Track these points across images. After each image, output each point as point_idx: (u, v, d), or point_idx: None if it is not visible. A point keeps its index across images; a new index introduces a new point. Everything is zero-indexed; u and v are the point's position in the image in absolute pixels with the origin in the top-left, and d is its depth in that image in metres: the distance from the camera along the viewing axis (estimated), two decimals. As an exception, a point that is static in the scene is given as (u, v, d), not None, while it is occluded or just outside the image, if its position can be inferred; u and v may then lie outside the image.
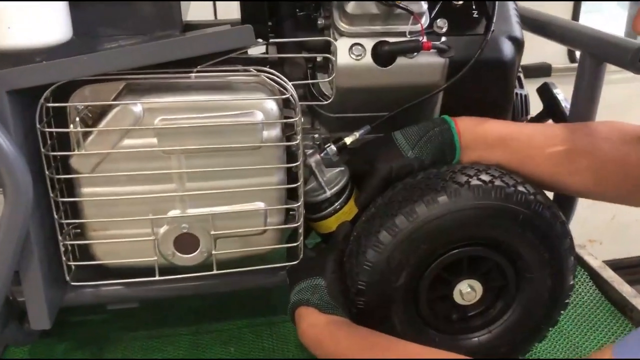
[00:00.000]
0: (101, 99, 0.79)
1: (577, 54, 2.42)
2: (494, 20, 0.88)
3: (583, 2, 2.26)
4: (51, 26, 0.73)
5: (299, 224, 0.89)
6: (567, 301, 0.91)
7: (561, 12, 2.10)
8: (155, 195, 0.82)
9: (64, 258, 0.84)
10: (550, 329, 0.93)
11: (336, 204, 0.90)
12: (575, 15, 2.29)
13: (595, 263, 1.20)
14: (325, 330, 0.80)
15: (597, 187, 0.87)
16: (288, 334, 1.08)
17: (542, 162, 0.87)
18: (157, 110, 0.79)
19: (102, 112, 0.79)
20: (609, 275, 1.16)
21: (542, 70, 2.32)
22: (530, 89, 1.06)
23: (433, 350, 0.73)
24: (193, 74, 0.80)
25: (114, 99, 0.79)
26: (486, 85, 0.92)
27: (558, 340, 1.05)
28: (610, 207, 0.98)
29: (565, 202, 1.02)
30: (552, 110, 1.03)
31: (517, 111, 1.05)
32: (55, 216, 0.82)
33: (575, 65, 2.59)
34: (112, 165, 0.80)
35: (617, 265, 1.38)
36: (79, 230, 0.86)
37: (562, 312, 0.92)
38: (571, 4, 2.26)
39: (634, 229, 2.62)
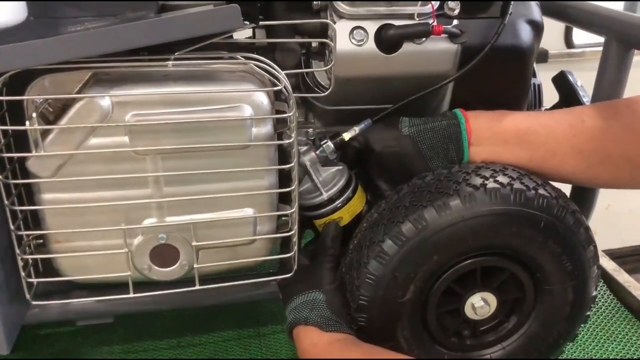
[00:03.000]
0: (63, 91, 0.74)
1: (575, 39, 2.38)
2: (512, 2, 0.84)
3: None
4: (1, 4, 0.69)
5: (293, 232, 0.84)
6: (588, 314, 0.87)
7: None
8: (127, 202, 0.77)
9: (23, 274, 0.79)
10: (568, 343, 0.89)
11: (337, 202, 0.85)
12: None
13: (609, 266, 1.16)
14: (327, 350, 0.76)
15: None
16: (279, 347, 1.04)
17: (568, 156, 0.79)
18: (128, 104, 0.74)
19: (65, 106, 0.74)
20: (625, 279, 1.11)
21: (539, 56, 2.26)
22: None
23: None
24: (170, 62, 0.75)
25: (79, 91, 0.74)
26: (502, 75, 0.89)
27: (573, 353, 1.02)
28: (605, 195, 0.96)
29: (584, 201, 0.98)
30: (569, 101, 0.98)
31: (530, 103, 0.99)
32: (12, 227, 0.76)
33: (573, 50, 2.50)
34: (77, 168, 0.75)
35: (612, 255, 1.37)
36: (42, 241, 0.81)
37: (582, 325, 0.88)
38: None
39: (629, 218, 2.62)
